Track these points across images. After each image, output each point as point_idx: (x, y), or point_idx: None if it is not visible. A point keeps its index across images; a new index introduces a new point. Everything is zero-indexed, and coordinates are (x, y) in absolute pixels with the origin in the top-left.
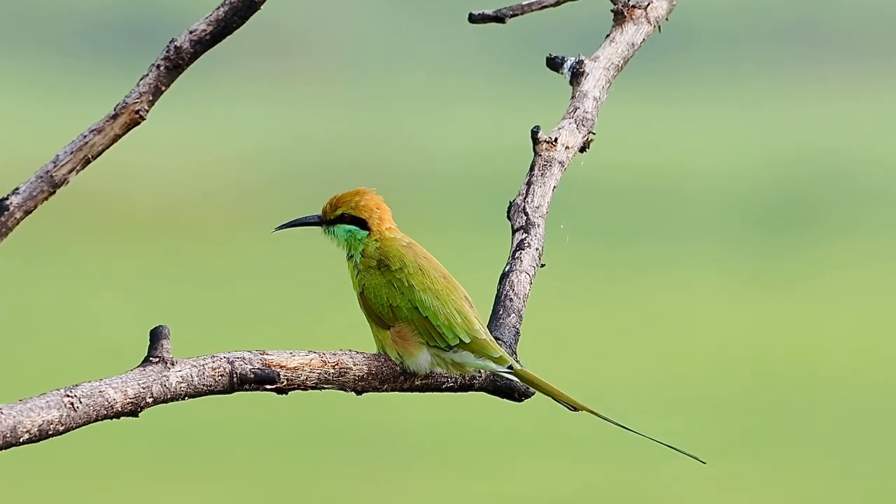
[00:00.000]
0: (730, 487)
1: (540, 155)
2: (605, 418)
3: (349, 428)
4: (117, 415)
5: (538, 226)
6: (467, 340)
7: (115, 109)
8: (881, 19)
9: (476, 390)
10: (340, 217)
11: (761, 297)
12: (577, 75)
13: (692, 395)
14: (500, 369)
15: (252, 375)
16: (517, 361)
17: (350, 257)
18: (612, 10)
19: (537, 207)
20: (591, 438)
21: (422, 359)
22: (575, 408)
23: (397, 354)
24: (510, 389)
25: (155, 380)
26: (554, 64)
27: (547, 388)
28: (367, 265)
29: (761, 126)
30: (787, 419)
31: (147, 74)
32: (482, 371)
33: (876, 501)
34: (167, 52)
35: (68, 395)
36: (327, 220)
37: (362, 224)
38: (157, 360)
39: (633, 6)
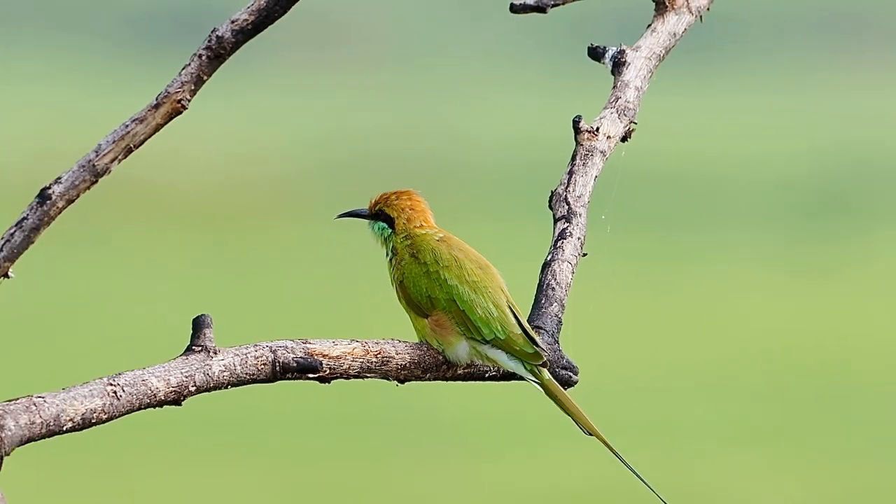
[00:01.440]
0: (774, 475)
1: (581, 144)
2: (612, 450)
3: (390, 416)
4: (160, 403)
5: (580, 215)
6: (502, 336)
7: (156, 99)
8: None
9: (519, 379)
10: (378, 213)
11: (804, 285)
12: (618, 65)
13: (735, 384)
14: (529, 378)
15: (294, 364)
16: (558, 352)
17: (386, 254)
18: (653, 0)
19: (579, 197)
20: (634, 428)
21: (460, 349)
22: (589, 433)
23: (437, 343)
24: (553, 378)
25: (198, 368)
26: (595, 53)
27: (568, 407)
28: (400, 259)
29: (804, 115)
30: (831, 407)
31: (189, 64)
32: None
33: None
34: (209, 41)
35: (111, 384)
36: (370, 215)
37: (391, 222)
38: (200, 348)
39: None
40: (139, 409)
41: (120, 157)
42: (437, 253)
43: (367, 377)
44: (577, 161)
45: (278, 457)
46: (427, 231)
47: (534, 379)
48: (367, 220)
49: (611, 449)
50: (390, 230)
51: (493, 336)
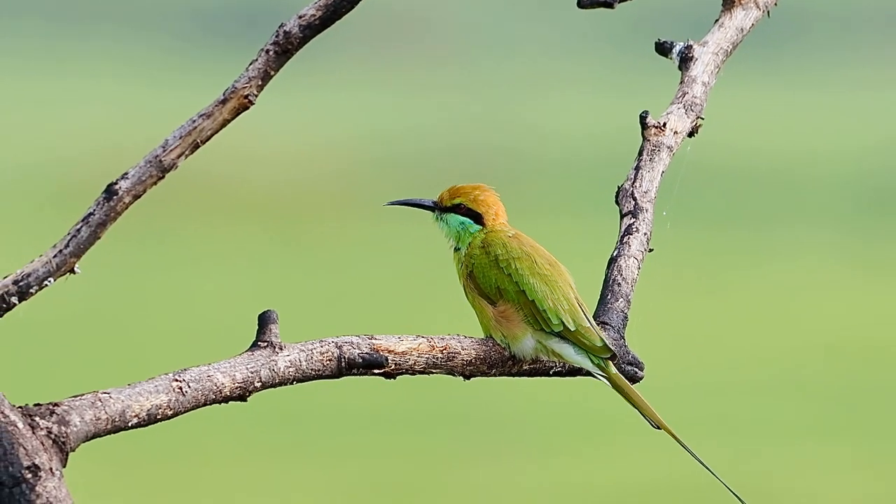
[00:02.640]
0: (846, 470)
1: (648, 140)
2: (681, 443)
3: (455, 412)
4: (225, 399)
5: (646, 210)
6: (572, 327)
7: (224, 94)
8: None
9: (584, 375)
10: (456, 207)
11: (871, 281)
12: (685, 60)
13: (802, 379)
14: (596, 372)
15: (360, 360)
16: (623, 347)
17: (457, 249)
18: None
19: (645, 192)
20: (700, 424)
21: (526, 343)
22: (658, 426)
23: (502, 337)
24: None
25: (263, 364)
26: (663, 49)
27: (636, 401)
28: (471, 251)
29: (871, 110)
30: None
31: (256, 59)
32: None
33: None
34: (276, 36)
35: (177, 380)
36: (442, 207)
37: (476, 218)
38: (266, 344)
39: None
40: (204, 404)
41: (187, 152)
42: (508, 246)
43: (433, 373)
44: (644, 156)
45: (343, 453)
46: (502, 228)
47: (600, 373)
48: (433, 213)
49: (680, 442)
50: (478, 226)
51: (563, 327)
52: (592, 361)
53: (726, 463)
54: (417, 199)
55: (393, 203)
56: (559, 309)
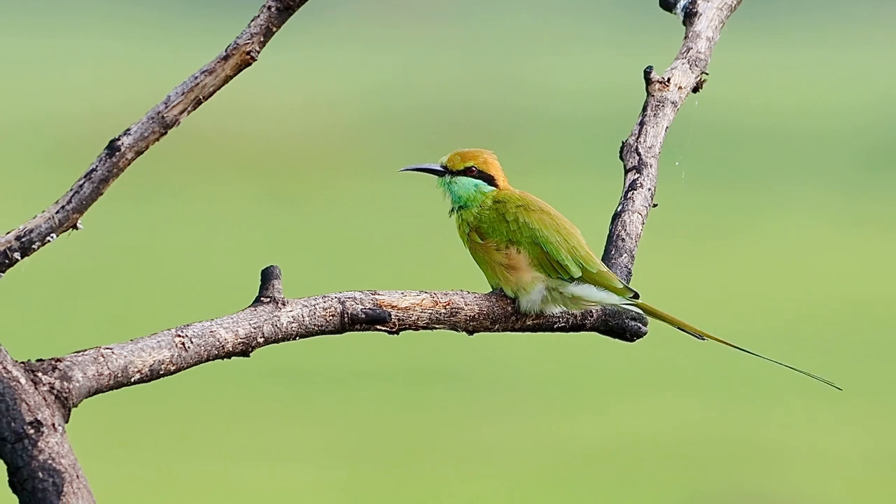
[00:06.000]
0: (843, 430)
1: (653, 95)
2: (732, 345)
3: (458, 367)
4: (228, 355)
5: (650, 166)
6: (593, 271)
7: (226, 50)
8: None
9: (588, 330)
10: (468, 170)
11: (871, 237)
12: (690, 15)
13: (805, 335)
14: (623, 301)
15: (363, 315)
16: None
17: (462, 207)
18: None
19: (650, 148)
20: (701, 380)
21: (535, 293)
22: (702, 336)
23: (512, 288)
24: (622, 329)
25: (266, 320)
26: (667, 4)
27: (670, 318)
28: (482, 212)
29: (869, 66)
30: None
31: (258, 15)
32: (594, 310)
33: None
34: None
35: (179, 335)
36: (453, 171)
37: (489, 180)
38: (269, 300)
39: None
40: (207, 360)
41: (189, 108)
42: (522, 200)
43: (436, 328)
44: (648, 112)
45: (345, 409)
46: (508, 188)
47: (628, 302)
48: (442, 176)
49: (731, 345)
50: (491, 188)
51: (584, 271)
52: (617, 296)
53: (725, 416)
54: (427, 165)
55: (405, 169)
56: (577, 256)
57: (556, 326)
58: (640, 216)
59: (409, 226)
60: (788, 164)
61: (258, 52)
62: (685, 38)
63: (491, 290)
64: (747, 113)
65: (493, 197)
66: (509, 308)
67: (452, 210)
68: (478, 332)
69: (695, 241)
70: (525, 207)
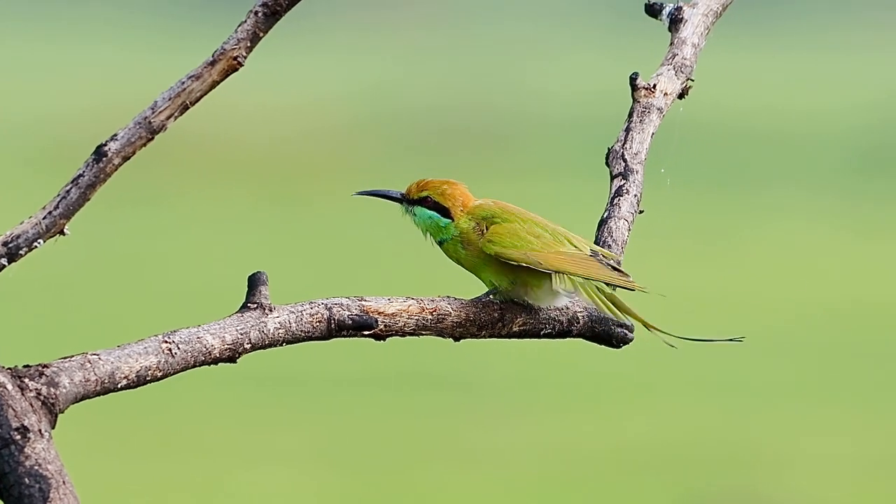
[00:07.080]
0: (835, 433)
1: (638, 101)
2: (662, 331)
3: (447, 372)
4: (215, 361)
5: (636, 172)
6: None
7: (213, 56)
8: None
9: (574, 336)
10: (423, 199)
11: (865, 241)
12: (675, 22)
13: (794, 341)
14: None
15: (350, 322)
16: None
17: (440, 242)
18: None
19: (636, 154)
20: (696, 383)
21: (546, 285)
22: (648, 327)
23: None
24: (608, 336)
25: (253, 326)
26: (653, 10)
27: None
28: (469, 230)
29: (861, 71)
30: (888, 364)
31: (245, 21)
32: (581, 317)
33: None
34: None
35: (166, 341)
36: (409, 199)
37: (444, 212)
38: (255, 305)
39: None
40: (194, 366)
41: (176, 114)
42: (503, 210)
43: (423, 334)
44: (634, 118)
45: (332, 415)
46: (479, 201)
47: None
48: (401, 205)
49: (662, 331)
50: (447, 220)
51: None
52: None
53: (717, 421)
54: (386, 191)
55: (361, 193)
56: (569, 238)
57: (542, 333)
58: (626, 222)
59: (397, 232)
60: (782, 167)
61: (245, 58)
62: (671, 44)
63: (485, 292)
64: (737, 118)
65: (466, 219)
66: (496, 314)
67: (434, 244)
68: (464, 338)
69: (685, 247)
70: (512, 213)
